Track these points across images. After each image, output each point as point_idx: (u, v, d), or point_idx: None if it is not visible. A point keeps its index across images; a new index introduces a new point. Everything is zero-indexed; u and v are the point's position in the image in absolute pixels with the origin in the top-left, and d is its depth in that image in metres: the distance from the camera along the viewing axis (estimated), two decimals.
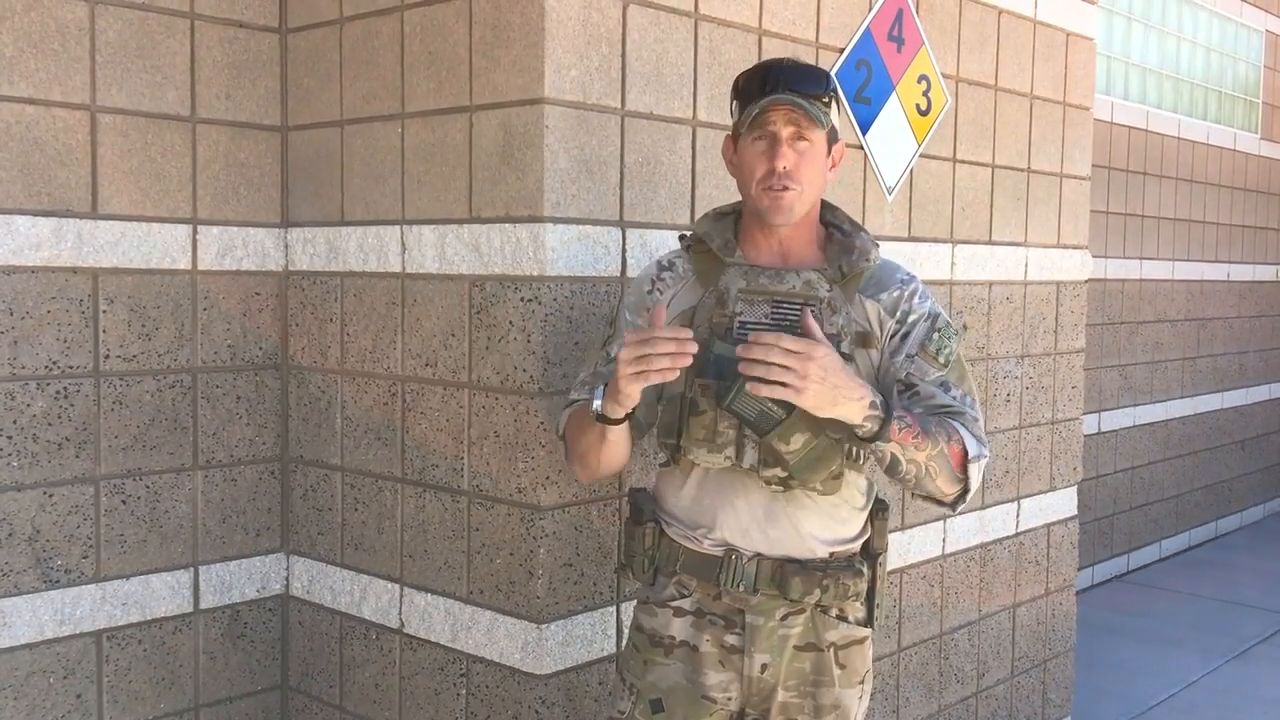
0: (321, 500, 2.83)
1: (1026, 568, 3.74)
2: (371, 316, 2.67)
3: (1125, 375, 6.33)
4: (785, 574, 1.97)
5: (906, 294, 2.04)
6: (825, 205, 2.09)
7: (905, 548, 3.24)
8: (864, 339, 1.97)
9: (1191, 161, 6.82)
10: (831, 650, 2.03)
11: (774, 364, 1.73)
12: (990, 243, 3.49)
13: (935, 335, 2.02)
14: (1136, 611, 5.75)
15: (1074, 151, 3.79)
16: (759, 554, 1.99)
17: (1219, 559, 6.89)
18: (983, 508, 3.53)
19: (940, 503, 2.04)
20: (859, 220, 2.97)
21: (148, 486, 2.68)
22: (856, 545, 2.07)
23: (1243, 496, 7.67)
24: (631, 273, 2.45)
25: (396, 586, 2.66)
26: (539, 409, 2.33)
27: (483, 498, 2.46)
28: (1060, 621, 3.92)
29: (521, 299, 2.34)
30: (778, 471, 1.93)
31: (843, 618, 2.05)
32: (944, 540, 3.39)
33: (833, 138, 2.00)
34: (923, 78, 3.18)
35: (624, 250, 2.46)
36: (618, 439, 1.97)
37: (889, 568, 3.05)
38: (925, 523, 3.31)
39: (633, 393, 1.84)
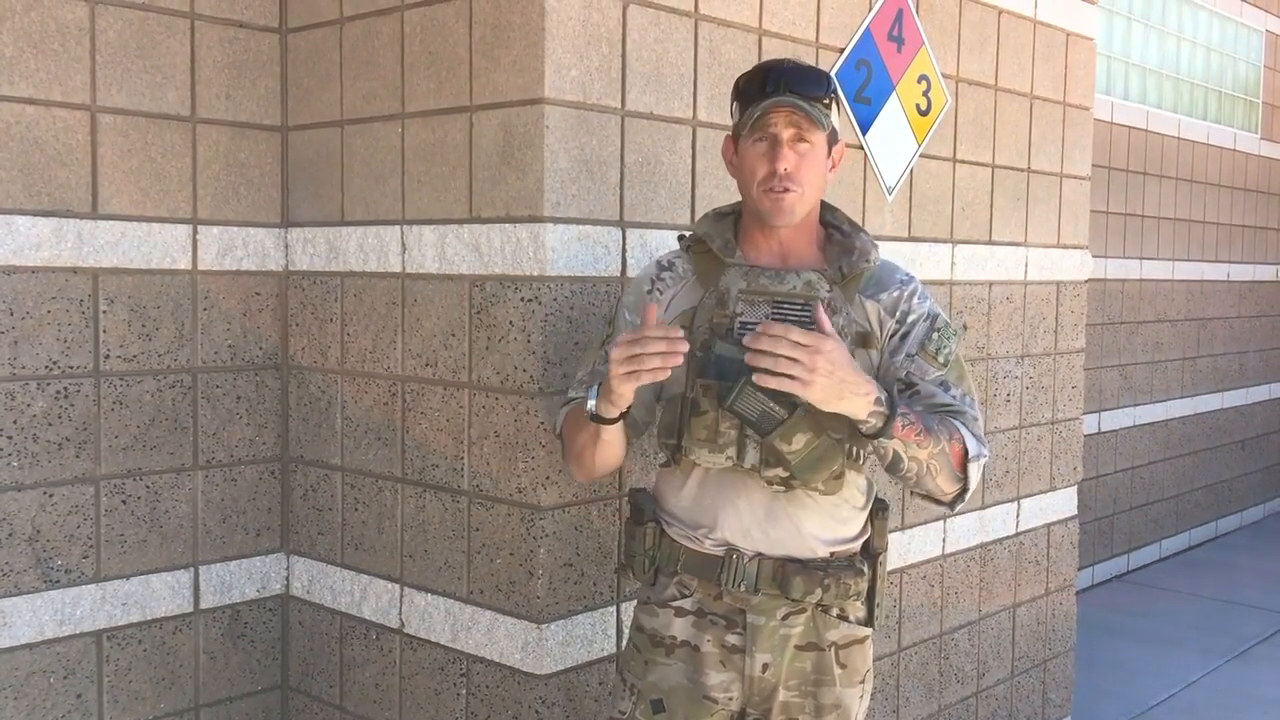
0: (322, 500, 2.83)
1: (1026, 567, 3.74)
2: (372, 316, 2.67)
3: (1125, 375, 6.33)
4: (786, 573, 1.98)
5: (906, 294, 2.04)
6: (825, 206, 2.09)
7: (905, 548, 3.24)
8: (864, 339, 1.97)
9: (1191, 161, 6.82)
10: (832, 650, 2.03)
11: (782, 356, 1.72)
12: (990, 243, 3.49)
13: (935, 335, 2.02)
14: (1136, 611, 5.75)
15: (1074, 151, 3.79)
16: (760, 554, 1.99)
17: (1219, 559, 6.89)
18: (983, 508, 3.53)
19: (939, 502, 2.04)
20: (859, 220, 2.98)
21: (148, 486, 2.68)
22: (857, 545, 2.07)
23: (1243, 496, 7.67)
24: (631, 273, 2.45)
25: (397, 586, 2.66)
26: (539, 409, 2.33)
27: (483, 498, 2.46)
28: (1060, 621, 3.92)
29: (521, 299, 2.34)
30: (779, 471, 1.93)
31: (843, 617, 2.05)
32: (944, 540, 3.39)
33: (833, 139, 2.00)
34: (923, 78, 3.18)
35: (624, 250, 2.46)
36: (612, 439, 1.97)
37: (889, 568, 3.05)
38: (925, 523, 3.31)
39: (625, 392, 1.84)
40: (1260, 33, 7.49)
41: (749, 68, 2.06)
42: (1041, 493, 3.78)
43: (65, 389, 2.54)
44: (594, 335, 2.33)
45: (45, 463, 2.52)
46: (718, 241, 2.02)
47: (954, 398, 2.01)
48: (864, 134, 3.02)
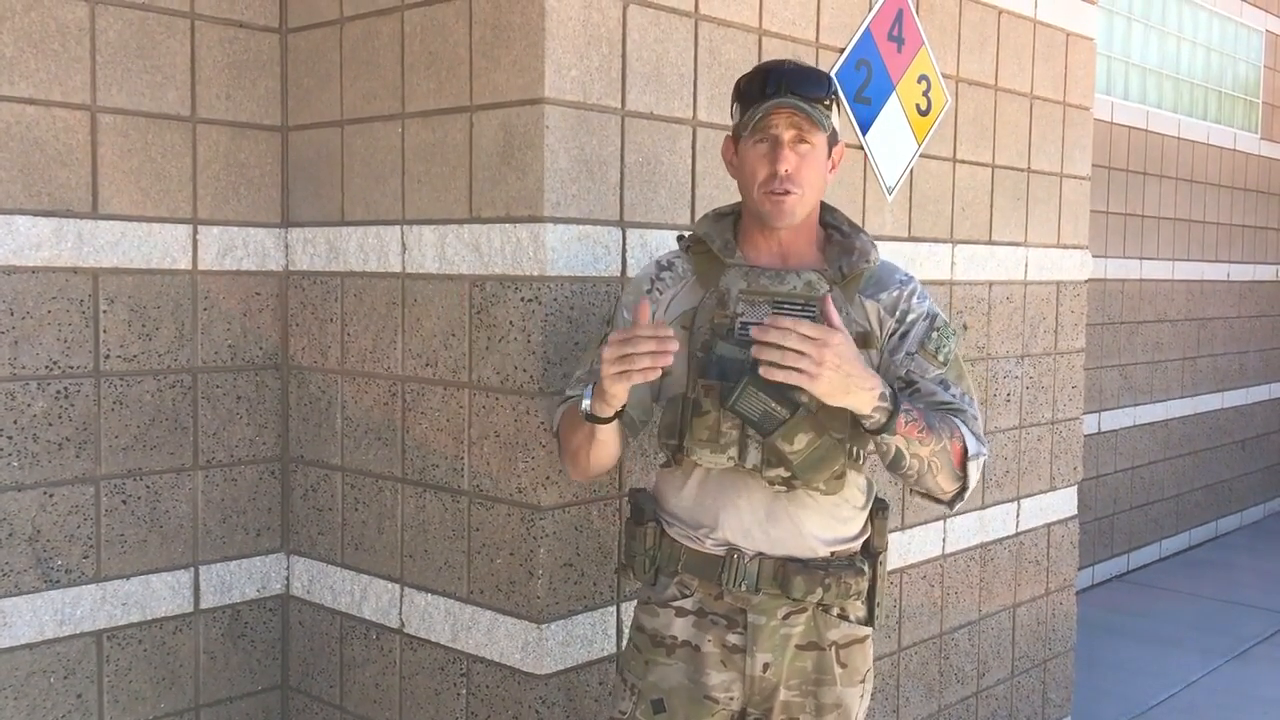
0: (322, 500, 2.83)
1: (1026, 567, 3.74)
2: (372, 316, 2.67)
3: (1125, 375, 6.33)
4: (787, 573, 1.98)
5: (905, 294, 2.05)
6: (824, 207, 2.09)
7: (905, 547, 3.24)
8: (864, 339, 1.97)
9: (1191, 161, 6.82)
10: (833, 649, 2.03)
11: (789, 350, 1.72)
12: (990, 243, 3.49)
13: (934, 334, 2.02)
14: (1136, 611, 5.75)
15: (1074, 151, 3.79)
16: (761, 553, 1.99)
17: (1219, 559, 6.89)
18: (983, 507, 3.53)
19: (938, 500, 2.04)
20: (859, 221, 2.98)
21: (148, 486, 2.68)
22: (857, 544, 2.07)
23: (1243, 496, 7.67)
24: (631, 273, 2.45)
25: (397, 586, 2.66)
26: (539, 409, 2.33)
27: (483, 498, 2.46)
28: (1060, 621, 3.92)
29: (522, 299, 2.34)
30: (781, 472, 1.93)
31: (844, 617, 2.05)
32: (944, 540, 3.39)
33: (833, 140, 2.00)
34: (923, 78, 3.18)
35: (624, 250, 2.46)
36: (607, 438, 1.97)
37: (889, 567, 3.05)
38: (925, 522, 3.31)
39: (618, 391, 1.84)
40: (1260, 33, 7.49)
41: (749, 68, 2.06)
42: (1041, 493, 3.78)
43: (65, 389, 2.54)
44: (594, 335, 2.33)
45: (45, 463, 2.52)
46: (718, 242, 2.02)
47: (954, 396, 2.01)
48: (864, 134, 3.02)
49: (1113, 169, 6.06)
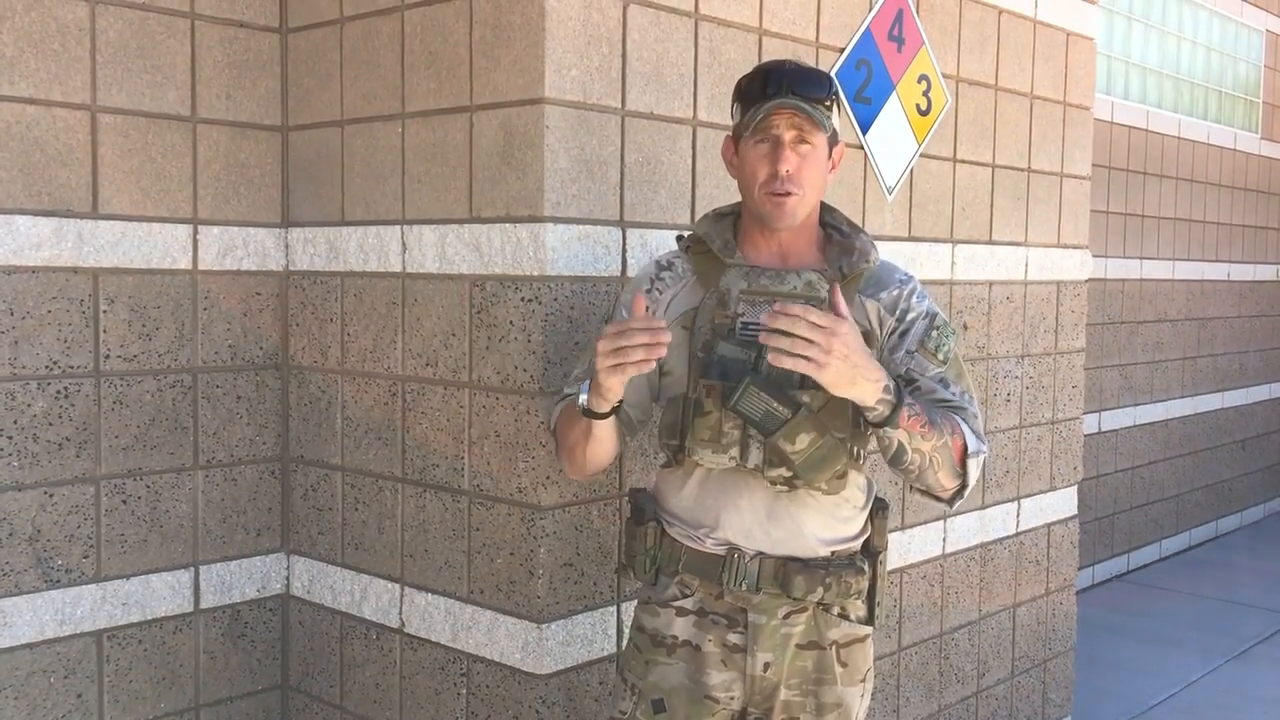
0: (322, 500, 2.83)
1: (1027, 567, 3.74)
2: (372, 316, 2.67)
3: (1125, 375, 6.33)
4: (788, 572, 1.98)
5: (905, 293, 2.05)
6: (824, 207, 2.09)
7: (905, 547, 3.24)
8: (865, 338, 1.97)
9: (1192, 161, 6.82)
10: (833, 648, 2.03)
11: (798, 337, 1.72)
12: (990, 242, 3.49)
13: (934, 333, 2.03)
14: (1137, 611, 5.75)
15: (1074, 151, 3.79)
16: (761, 553, 1.99)
17: (1219, 559, 6.89)
18: (983, 507, 3.53)
19: (938, 498, 2.04)
20: (859, 221, 2.98)
21: (148, 486, 2.68)
22: (857, 544, 2.07)
23: (1243, 496, 7.67)
24: (632, 272, 2.45)
25: (397, 586, 2.66)
26: (539, 409, 2.33)
27: (483, 497, 2.46)
28: (1060, 621, 3.92)
29: (522, 299, 2.34)
30: (783, 471, 1.93)
31: (844, 616, 2.05)
32: (944, 540, 3.39)
33: (833, 140, 2.00)
34: (923, 77, 3.18)
35: (624, 250, 2.46)
36: (604, 435, 1.97)
37: (889, 567, 3.05)
38: (925, 522, 3.31)
39: (613, 385, 1.84)
40: (1260, 32, 7.49)
41: (749, 67, 2.06)
42: (1042, 492, 3.78)
43: (65, 389, 2.54)
44: (593, 335, 2.33)
45: (45, 462, 2.52)
46: (718, 242, 2.02)
47: (954, 394, 2.02)
48: (864, 134, 3.02)
49: (1113, 169, 6.06)
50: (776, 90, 1.91)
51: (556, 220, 2.31)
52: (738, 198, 2.08)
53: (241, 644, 2.86)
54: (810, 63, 2.72)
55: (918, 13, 3.15)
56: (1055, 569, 3.87)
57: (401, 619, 2.66)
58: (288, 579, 2.93)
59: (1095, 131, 4.04)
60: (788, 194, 1.94)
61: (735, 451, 1.94)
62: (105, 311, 2.59)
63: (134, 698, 2.68)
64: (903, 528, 3.22)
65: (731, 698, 2.03)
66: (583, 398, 1.92)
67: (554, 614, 2.38)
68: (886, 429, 1.86)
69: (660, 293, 2.06)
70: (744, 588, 1.99)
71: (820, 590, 1.99)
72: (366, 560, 2.73)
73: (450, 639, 2.55)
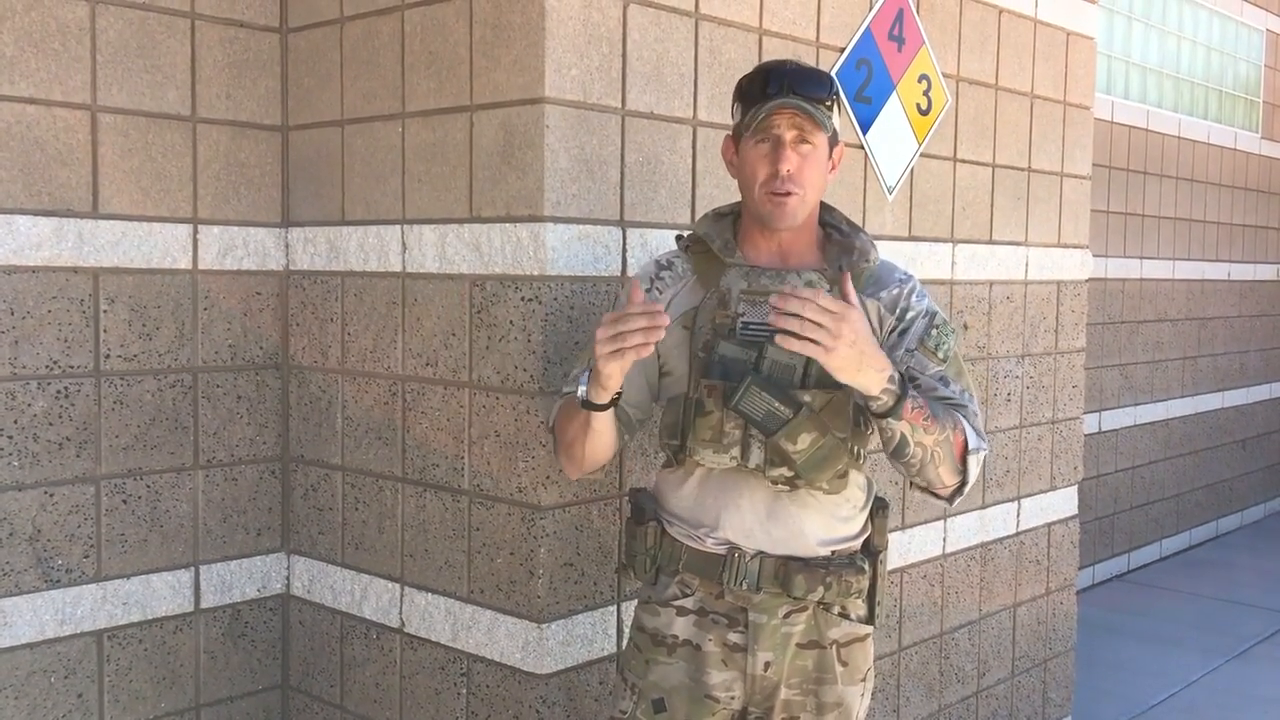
0: (322, 500, 2.83)
1: (1027, 567, 3.74)
2: (372, 316, 2.67)
3: (1126, 375, 6.33)
4: (788, 572, 1.98)
5: (905, 291, 2.05)
6: (823, 206, 2.09)
7: (906, 547, 3.24)
8: None
9: (1192, 161, 6.82)
10: (834, 648, 2.03)
11: (808, 320, 1.72)
12: (991, 242, 3.49)
13: (934, 331, 2.03)
14: (1137, 611, 5.75)
15: (1074, 151, 3.79)
16: (761, 552, 1.99)
17: (1219, 558, 6.89)
18: (983, 507, 3.53)
19: (937, 495, 2.04)
20: (859, 220, 2.98)
21: (148, 486, 2.68)
22: (858, 543, 2.08)
23: (1243, 496, 7.67)
24: (632, 272, 2.45)
25: (397, 586, 2.66)
26: (539, 409, 2.33)
27: (483, 497, 2.46)
28: (1061, 621, 3.92)
29: (522, 298, 2.34)
30: (784, 471, 1.93)
31: (844, 615, 2.05)
32: (944, 539, 3.39)
33: (834, 140, 2.00)
34: (923, 77, 3.18)
35: (624, 250, 2.46)
36: (602, 428, 1.97)
37: (889, 567, 3.05)
38: (926, 522, 3.31)
39: (612, 372, 1.84)
40: (1261, 32, 7.49)
41: (750, 67, 2.06)
42: (1042, 492, 3.78)
43: (66, 388, 2.54)
44: (593, 334, 2.33)
45: (46, 462, 2.52)
46: (718, 242, 2.02)
47: (954, 392, 2.02)
48: (864, 133, 3.02)
49: (1113, 168, 6.06)
50: (778, 90, 1.91)
51: (557, 220, 2.31)
52: (738, 197, 2.08)
53: (242, 644, 2.86)
54: (810, 62, 2.72)
55: (918, 12, 3.15)
56: (1055, 569, 3.87)
57: (402, 619, 2.66)
58: (288, 579, 2.93)
59: (1095, 131, 4.04)
60: (788, 194, 1.94)
61: (736, 451, 1.94)
62: (105, 311, 2.59)
63: (134, 697, 2.68)
64: (903, 527, 3.22)
65: (732, 697, 2.03)
66: (581, 389, 1.92)
67: (554, 614, 2.38)
68: (890, 420, 1.86)
69: (660, 292, 2.06)
70: (744, 587, 1.99)
71: (820, 589, 1.99)
72: (367, 560, 2.73)
73: (450, 639, 2.55)
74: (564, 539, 2.39)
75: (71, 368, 2.55)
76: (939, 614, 3.40)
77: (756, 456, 1.94)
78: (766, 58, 2.65)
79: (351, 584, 2.76)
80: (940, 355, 2.02)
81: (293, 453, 2.90)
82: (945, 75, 3.25)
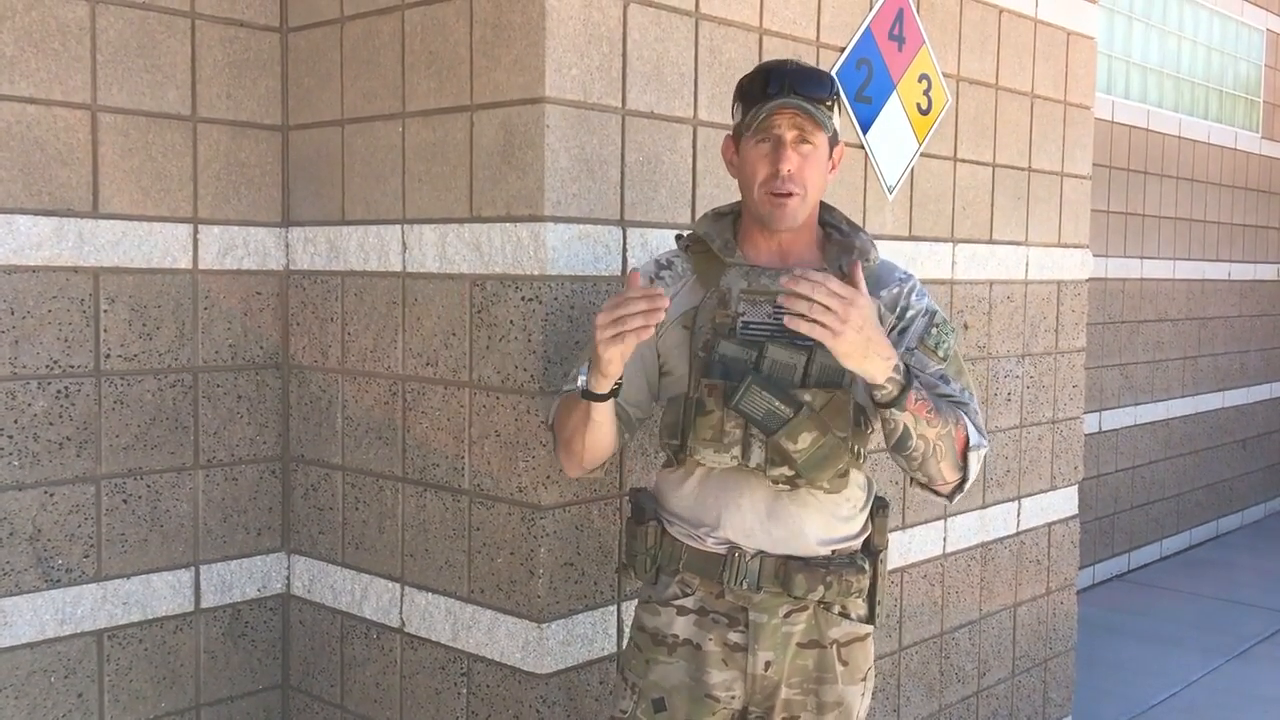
0: (322, 499, 2.83)
1: (1027, 567, 3.74)
2: (372, 316, 2.67)
3: (1126, 374, 6.33)
4: (789, 571, 1.98)
5: (905, 290, 2.06)
6: (823, 206, 2.09)
7: (906, 547, 3.24)
8: None
9: (1192, 161, 6.82)
10: (834, 647, 2.03)
11: (818, 303, 1.72)
12: (991, 242, 3.49)
13: (934, 330, 2.03)
14: (1137, 611, 5.75)
15: (1075, 150, 3.79)
16: (762, 552, 1.99)
17: (1220, 558, 6.89)
18: (983, 507, 3.53)
19: (937, 492, 2.04)
20: (859, 220, 2.98)
21: (149, 486, 2.68)
22: (858, 543, 2.08)
23: (1244, 495, 7.67)
24: None
25: (397, 586, 2.66)
26: (540, 408, 2.33)
27: (483, 497, 2.46)
28: (1061, 621, 3.92)
29: (522, 298, 2.34)
30: (785, 470, 1.93)
31: (845, 615, 2.05)
32: (945, 539, 3.39)
33: (834, 140, 2.00)
34: (923, 77, 3.18)
35: (625, 249, 2.46)
36: (602, 419, 1.97)
37: (890, 567, 3.05)
38: (926, 521, 3.31)
39: (613, 357, 1.84)
40: (1261, 31, 7.49)
41: (750, 67, 2.06)
42: (1042, 492, 3.78)
43: (66, 388, 2.54)
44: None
45: (46, 462, 2.52)
46: (718, 241, 2.03)
47: (954, 390, 2.02)
48: (865, 133, 3.02)
49: (1113, 168, 6.06)
50: (778, 90, 1.91)
51: (557, 219, 2.31)
52: (738, 197, 2.08)
53: (242, 643, 2.86)
54: (811, 62, 2.72)
55: (918, 12, 3.15)
56: (1056, 568, 3.87)
57: (402, 618, 2.66)
58: (288, 578, 2.93)
59: (1096, 131, 4.04)
60: (789, 194, 1.94)
61: (737, 451, 1.94)
62: (106, 311, 2.59)
63: (134, 697, 2.68)
64: (903, 527, 3.22)
65: (732, 696, 2.03)
66: (582, 379, 1.93)
67: (554, 613, 2.38)
68: (894, 410, 1.85)
69: None
70: (745, 586, 1.99)
71: (821, 589, 1.99)
72: (367, 560, 2.73)
73: (451, 638, 2.55)
74: (564, 539, 2.39)
75: (72, 367, 2.55)
76: (939, 614, 3.40)
77: (757, 456, 1.94)
78: (767, 57, 2.65)
79: (352, 584, 2.76)
80: (940, 354, 2.02)
81: (293, 452, 2.90)
82: (945, 75, 3.25)
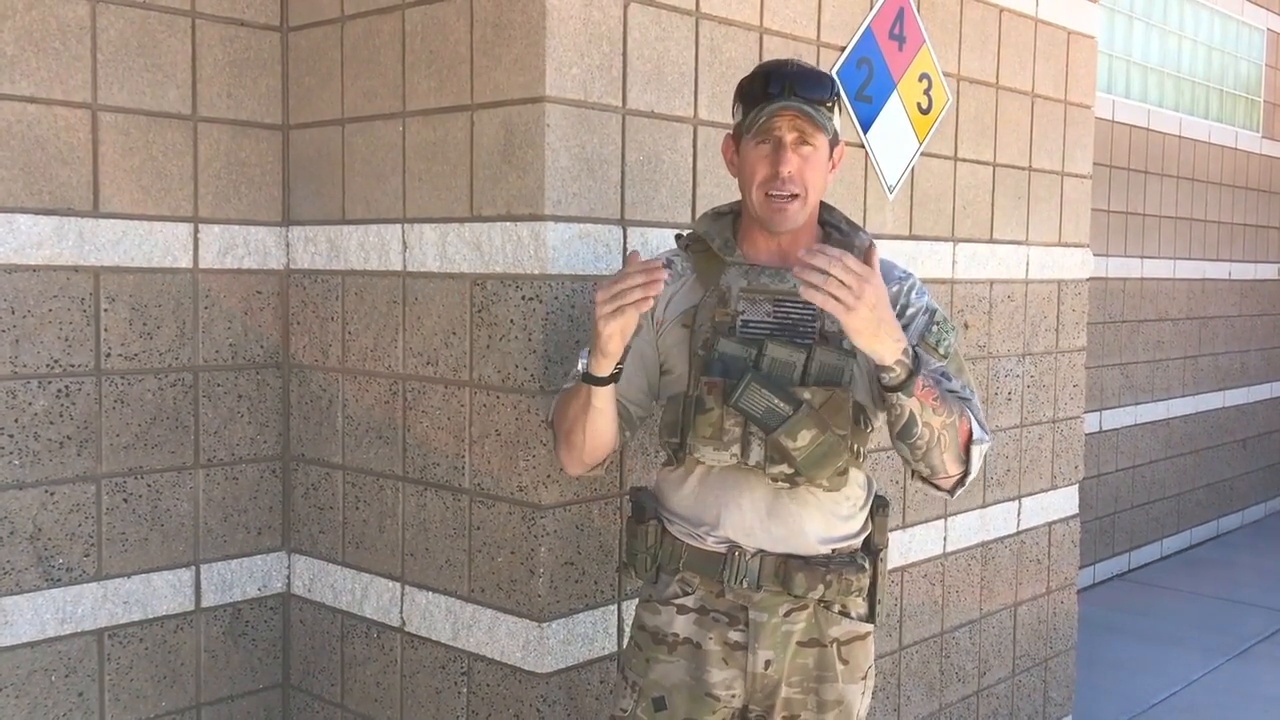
0: (323, 499, 2.83)
1: (1028, 566, 3.74)
2: (373, 315, 2.67)
3: (1126, 374, 6.33)
4: (789, 570, 1.98)
5: (905, 289, 2.06)
6: (822, 205, 2.09)
7: (906, 546, 3.24)
8: None
9: (1193, 160, 6.81)
10: (834, 646, 2.03)
11: (834, 276, 1.71)
12: (991, 241, 3.49)
13: (934, 328, 2.02)
14: (1137, 610, 5.75)
15: (1075, 150, 3.79)
16: (762, 550, 2.00)
17: (1220, 557, 6.89)
18: (984, 506, 3.53)
19: (938, 486, 2.04)
20: (860, 219, 2.98)
21: (149, 485, 2.68)
22: (858, 541, 2.08)
23: (1244, 495, 7.67)
24: None
25: (398, 585, 2.67)
26: (540, 407, 2.33)
27: (484, 496, 2.46)
28: (1061, 620, 3.92)
29: (523, 297, 2.34)
30: (784, 468, 1.93)
31: (845, 613, 2.05)
32: (945, 539, 3.39)
33: (834, 140, 2.00)
34: (924, 76, 3.18)
35: (625, 249, 2.46)
36: (603, 405, 1.96)
37: (890, 566, 3.06)
38: (926, 521, 3.31)
39: (613, 333, 1.84)
40: (1262, 31, 7.48)
41: (750, 66, 2.06)
42: (1043, 491, 3.78)
43: (66, 387, 2.54)
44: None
45: (46, 461, 2.53)
46: (717, 240, 2.03)
47: (955, 387, 2.02)
48: (865, 132, 3.02)
49: (1114, 167, 6.06)
50: (779, 92, 1.91)
51: (557, 219, 2.31)
52: (738, 196, 2.08)
53: (242, 643, 2.86)
54: (811, 61, 2.72)
55: (919, 11, 3.15)
56: (1056, 568, 3.87)
57: (402, 618, 2.66)
58: (289, 578, 2.93)
59: (1096, 130, 4.04)
60: (791, 197, 1.94)
61: (736, 449, 1.94)
62: (106, 310, 2.59)
63: (135, 696, 2.69)
64: (903, 526, 3.22)
65: (733, 695, 2.03)
66: (582, 363, 1.93)
67: (555, 613, 2.38)
68: (901, 395, 1.85)
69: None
70: (745, 585, 1.99)
71: (821, 588, 1.99)
72: (367, 559, 2.73)
73: (451, 638, 2.55)
74: (564, 538, 2.39)
75: (72, 366, 2.55)
76: (940, 613, 3.40)
77: (756, 454, 1.94)
78: (767, 56, 2.66)
79: (352, 583, 2.77)
80: (941, 351, 2.02)
81: (293, 452, 2.90)
82: (946, 74, 3.25)
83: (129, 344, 2.63)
